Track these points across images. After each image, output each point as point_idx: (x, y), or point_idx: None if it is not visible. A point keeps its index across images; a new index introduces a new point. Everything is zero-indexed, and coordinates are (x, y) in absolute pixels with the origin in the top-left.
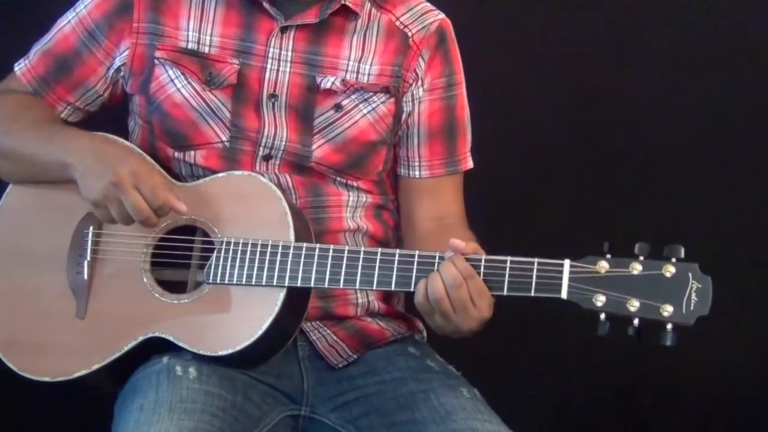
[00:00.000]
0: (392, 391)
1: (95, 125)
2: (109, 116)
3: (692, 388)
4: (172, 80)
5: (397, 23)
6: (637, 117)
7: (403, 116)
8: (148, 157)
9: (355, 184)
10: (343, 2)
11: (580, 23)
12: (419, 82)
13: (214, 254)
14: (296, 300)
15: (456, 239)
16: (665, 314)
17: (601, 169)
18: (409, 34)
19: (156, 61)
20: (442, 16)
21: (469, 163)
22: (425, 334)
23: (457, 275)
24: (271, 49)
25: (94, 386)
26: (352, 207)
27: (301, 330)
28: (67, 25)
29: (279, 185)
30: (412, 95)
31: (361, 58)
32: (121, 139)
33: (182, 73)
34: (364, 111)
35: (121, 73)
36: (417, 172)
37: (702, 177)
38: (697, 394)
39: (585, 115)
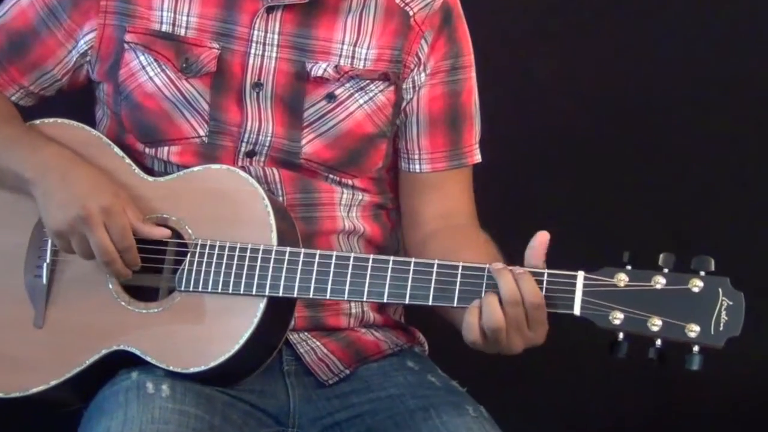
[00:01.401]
0: (389, 409)
1: (57, 113)
2: (73, 104)
3: (719, 406)
4: (143, 67)
5: (397, 0)
6: (664, 116)
7: (403, 104)
8: (118, 152)
9: (350, 181)
10: None
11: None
12: (421, 67)
13: (187, 258)
14: (279, 310)
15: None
16: (691, 335)
17: (623, 168)
18: (411, 12)
19: (126, 46)
20: None
21: (477, 157)
22: (426, 347)
23: (516, 295)
24: (256, 32)
25: (55, 403)
26: (347, 205)
27: (287, 342)
28: None
29: (265, 181)
30: (413, 81)
31: (356, 41)
32: (86, 130)
33: (155, 60)
34: (360, 101)
35: (87, 58)
36: (417, 166)
37: (736, 181)
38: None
39: (605, 110)
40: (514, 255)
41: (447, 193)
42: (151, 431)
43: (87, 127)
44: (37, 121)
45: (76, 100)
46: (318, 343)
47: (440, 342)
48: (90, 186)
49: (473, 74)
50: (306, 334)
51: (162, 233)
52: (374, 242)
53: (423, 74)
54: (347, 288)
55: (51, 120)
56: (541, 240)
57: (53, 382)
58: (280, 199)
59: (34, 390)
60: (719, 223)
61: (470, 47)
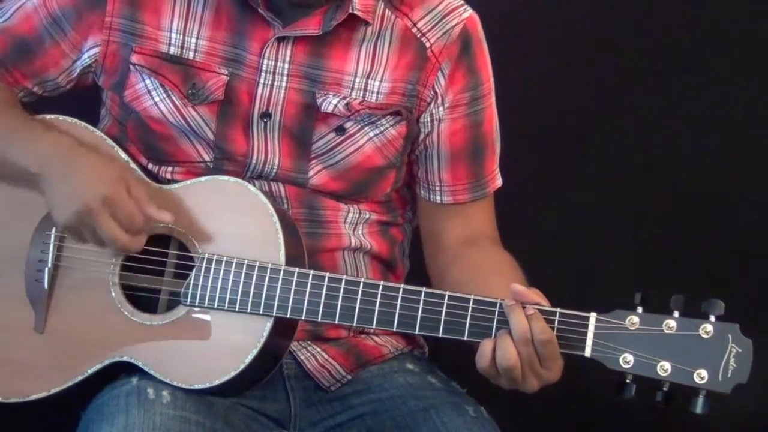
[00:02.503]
0: (389, 410)
1: (59, 109)
2: (76, 101)
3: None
4: (148, 91)
5: (414, 30)
6: (685, 152)
7: (421, 137)
8: (122, 155)
9: (356, 206)
10: (351, 11)
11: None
12: (439, 100)
13: (193, 272)
14: (284, 328)
15: (516, 285)
16: (699, 381)
17: (635, 206)
18: (428, 44)
19: (132, 67)
20: (468, 13)
21: (498, 182)
22: (426, 350)
23: (527, 334)
24: (266, 61)
25: (53, 405)
26: (353, 223)
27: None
28: (29, 2)
29: (270, 194)
30: (431, 115)
31: (370, 73)
32: (89, 130)
33: (161, 84)
34: (371, 134)
35: (92, 69)
36: (438, 197)
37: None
38: None
39: (619, 140)
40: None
41: (469, 219)
42: None
43: (90, 127)
44: (38, 117)
45: (78, 97)
46: (318, 349)
47: (440, 345)
48: (91, 176)
49: (493, 99)
50: (306, 341)
51: (167, 218)
52: (380, 258)
53: (441, 108)
54: (356, 314)
55: (52, 116)
56: (517, 293)
57: (54, 390)
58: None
59: (34, 397)
60: (731, 260)
61: (489, 72)
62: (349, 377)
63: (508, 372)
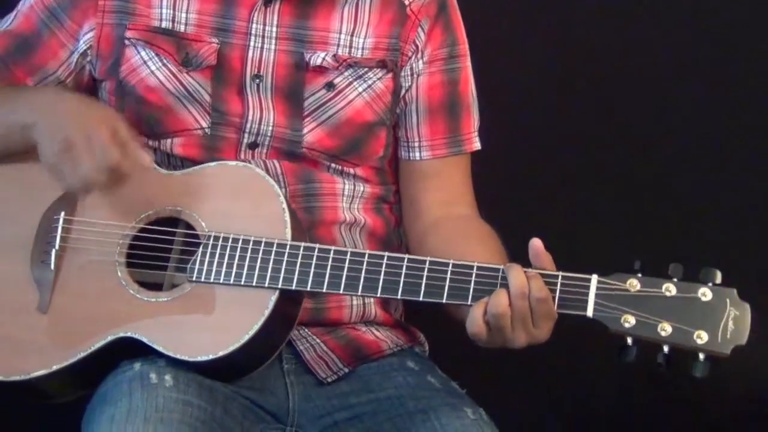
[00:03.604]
0: (388, 410)
1: None
2: None
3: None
4: (145, 62)
5: None
6: (682, 126)
7: (402, 92)
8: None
9: (352, 171)
10: None
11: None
12: (419, 54)
13: (200, 249)
14: (289, 305)
15: (536, 240)
16: (699, 342)
17: (632, 179)
18: (406, 2)
19: (126, 42)
20: None
21: (476, 144)
22: (427, 347)
23: (524, 288)
24: (254, 25)
25: (55, 391)
26: (349, 196)
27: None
28: (27, 2)
29: (267, 172)
30: (411, 69)
31: (353, 30)
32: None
33: (156, 54)
34: (359, 89)
35: (88, 58)
36: (417, 153)
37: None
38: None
39: (619, 115)
40: (519, 263)
41: (447, 179)
42: (155, 419)
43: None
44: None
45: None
46: (318, 340)
47: (441, 342)
48: (75, 113)
49: (469, 63)
50: (306, 330)
51: (146, 159)
52: (376, 235)
53: (420, 62)
54: (361, 284)
55: None
56: (536, 248)
57: (55, 367)
58: (283, 190)
59: (35, 374)
60: (728, 233)
61: (464, 37)
62: (347, 370)
63: (498, 320)
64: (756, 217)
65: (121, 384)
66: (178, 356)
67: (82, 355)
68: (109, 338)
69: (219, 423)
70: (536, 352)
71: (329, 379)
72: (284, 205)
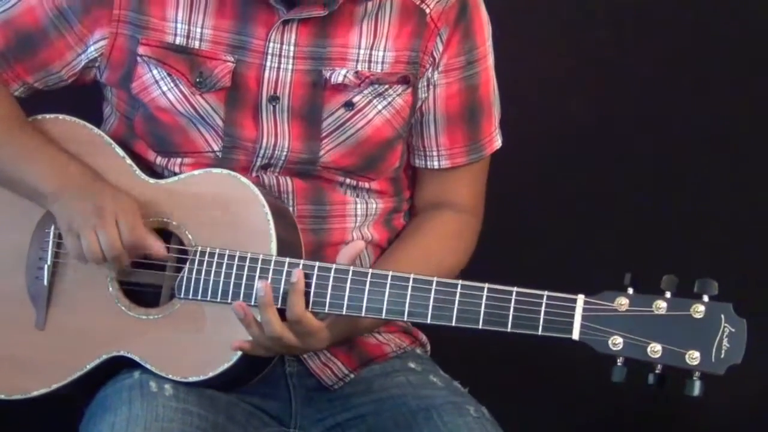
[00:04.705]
0: (390, 410)
1: (61, 106)
2: (78, 98)
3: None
4: (156, 82)
5: None
6: (671, 135)
7: (418, 104)
8: (119, 152)
9: (366, 185)
10: None
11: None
12: (435, 65)
13: (187, 266)
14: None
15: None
16: (692, 362)
17: (624, 186)
18: (427, 10)
19: (139, 59)
20: None
21: (496, 144)
22: (428, 348)
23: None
24: (271, 44)
25: (56, 399)
26: (362, 216)
27: None
28: None
29: (277, 191)
30: (428, 80)
31: (372, 44)
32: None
33: (168, 74)
34: (379, 107)
35: (96, 63)
36: (436, 163)
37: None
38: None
39: (612, 125)
40: (509, 274)
41: (448, 179)
42: (155, 429)
43: (89, 125)
44: (39, 117)
45: (81, 94)
46: None
47: (442, 342)
48: (104, 187)
49: (490, 62)
50: None
51: (162, 252)
52: (381, 246)
53: (436, 72)
54: (345, 303)
55: (52, 116)
56: (354, 245)
57: (55, 386)
58: (291, 209)
59: (36, 393)
60: (723, 240)
61: (485, 35)
62: (352, 376)
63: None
64: (755, 225)
65: (121, 392)
66: (169, 376)
67: (79, 374)
68: (104, 357)
69: (221, 430)
70: (537, 350)
71: (335, 386)
72: (269, 216)
